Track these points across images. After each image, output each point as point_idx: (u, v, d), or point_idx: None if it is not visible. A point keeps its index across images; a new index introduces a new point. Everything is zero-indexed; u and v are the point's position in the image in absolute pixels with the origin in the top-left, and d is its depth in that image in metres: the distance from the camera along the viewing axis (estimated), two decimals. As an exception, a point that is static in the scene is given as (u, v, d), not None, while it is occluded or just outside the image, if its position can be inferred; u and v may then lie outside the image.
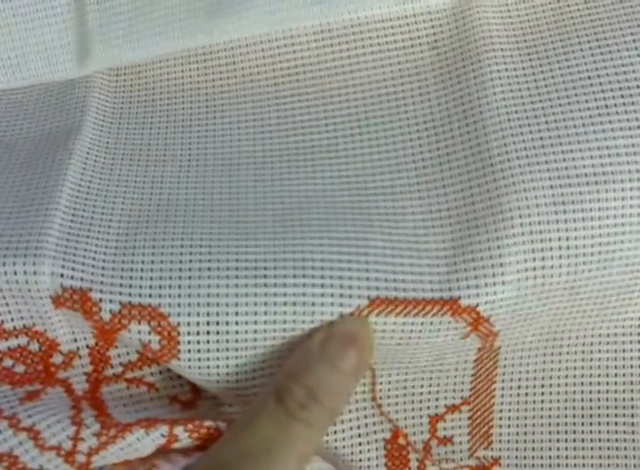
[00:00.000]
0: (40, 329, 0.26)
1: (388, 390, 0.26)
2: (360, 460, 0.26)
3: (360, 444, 0.26)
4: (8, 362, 0.26)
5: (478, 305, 0.24)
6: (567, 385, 0.28)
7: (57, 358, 0.26)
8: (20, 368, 0.26)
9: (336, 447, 0.26)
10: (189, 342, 0.24)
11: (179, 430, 0.24)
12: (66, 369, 0.26)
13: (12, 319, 0.25)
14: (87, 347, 0.26)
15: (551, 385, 0.28)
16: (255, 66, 0.30)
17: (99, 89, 0.30)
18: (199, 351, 0.24)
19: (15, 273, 0.24)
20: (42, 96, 0.31)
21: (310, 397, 0.22)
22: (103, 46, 0.29)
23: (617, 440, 0.28)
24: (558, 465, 0.28)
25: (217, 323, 0.24)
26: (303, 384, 0.22)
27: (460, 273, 0.24)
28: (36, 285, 0.24)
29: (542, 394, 0.28)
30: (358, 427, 0.26)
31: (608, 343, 0.27)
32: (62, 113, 0.30)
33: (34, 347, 0.26)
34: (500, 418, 0.28)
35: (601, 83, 0.26)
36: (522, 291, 0.24)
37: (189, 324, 0.24)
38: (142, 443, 0.24)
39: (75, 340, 0.26)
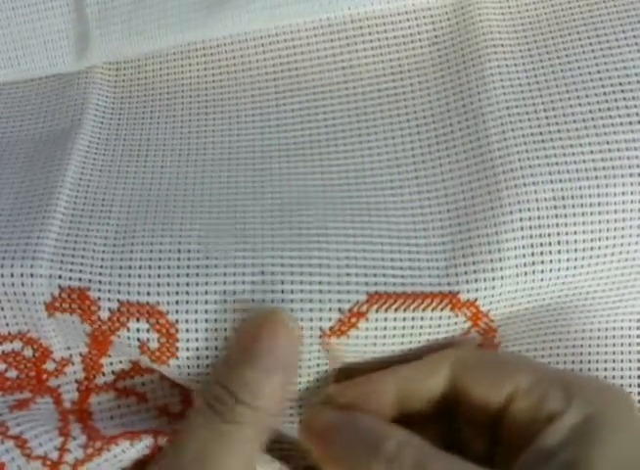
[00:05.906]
0: (34, 336, 0.25)
1: None
2: None
3: None
4: (1, 366, 0.25)
5: (477, 299, 0.24)
6: None
7: (49, 365, 0.26)
8: (12, 373, 0.25)
9: None
10: (187, 339, 0.23)
11: (163, 441, 0.24)
12: (57, 376, 0.26)
13: (7, 324, 0.25)
14: (80, 354, 0.26)
15: None
16: (255, 61, 0.30)
17: (99, 85, 0.30)
18: (197, 348, 0.24)
19: (12, 276, 0.24)
20: (42, 93, 0.31)
21: (231, 397, 0.22)
22: (102, 40, 0.29)
23: None
24: None
25: (215, 320, 0.23)
26: (224, 385, 0.22)
27: (459, 268, 0.24)
28: (32, 288, 0.24)
29: None
30: None
31: (606, 337, 0.27)
32: (61, 110, 0.30)
33: (28, 352, 0.25)
34: None
35: (601, 78, 0.26)
36: (520, 285, 0.24)
37: (187, 321, 0.23)
38: (127, 454, 0.23)
39: (69, 347, 0.26)
